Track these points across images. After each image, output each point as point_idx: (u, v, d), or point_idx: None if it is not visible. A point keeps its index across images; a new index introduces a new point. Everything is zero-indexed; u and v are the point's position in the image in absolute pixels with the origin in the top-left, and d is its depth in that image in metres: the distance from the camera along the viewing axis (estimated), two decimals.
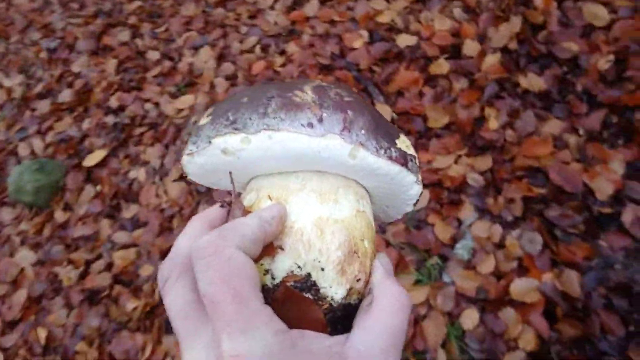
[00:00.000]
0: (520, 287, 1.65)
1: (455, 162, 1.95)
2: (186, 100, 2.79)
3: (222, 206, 0.52)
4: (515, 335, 1.58)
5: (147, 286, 2.29)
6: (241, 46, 2.88)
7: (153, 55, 3.13)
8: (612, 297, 1.60)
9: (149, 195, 2.58)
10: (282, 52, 2.76)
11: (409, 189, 0.53)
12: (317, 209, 0.49)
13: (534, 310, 1.60)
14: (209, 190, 2.48)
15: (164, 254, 2.36)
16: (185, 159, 0.51)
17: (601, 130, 1.94)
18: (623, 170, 1.81)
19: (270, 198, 0.49)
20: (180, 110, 2.79)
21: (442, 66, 2.26)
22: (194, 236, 0.47)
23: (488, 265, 1.74)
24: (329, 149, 0.46)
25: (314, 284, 0.46)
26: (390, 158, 0.48)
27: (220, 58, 2.88)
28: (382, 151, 0.47)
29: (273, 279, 0.46)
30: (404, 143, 0.51)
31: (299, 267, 0.46)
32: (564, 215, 1.79)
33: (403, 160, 0.49)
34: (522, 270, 1.72)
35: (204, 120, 0.50)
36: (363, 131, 0.47)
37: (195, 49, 3.02)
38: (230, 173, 0.51)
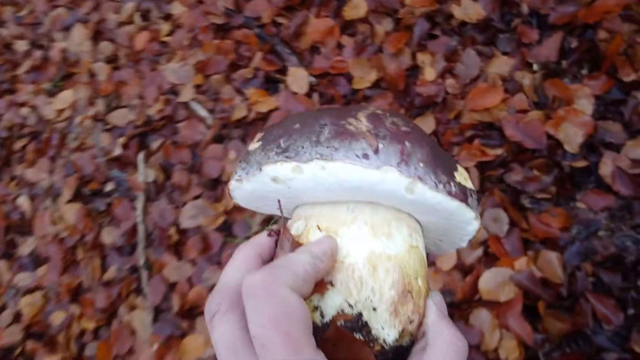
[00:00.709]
0: (491, 281, 1.33)
1: None
2: (65, 97, 2.28)
3: (269, 235, 0.50)
4: (495, 345, 1.27)
5: (62, 336, 1.91)
6: (118, 17, 2.31)
7: (20, 45, 2.55)
8: (602, 274, 1.30)
9: (43, 223, 2.12)
10: (167, 17, 2.23)
11: (467, 225, 0.51)
12: (369, 244, 0.47)
13: (511, 310, 1.29)
14: (110, 207, 2.04)
15: (73, 294, 1.96)
16: (233, 184, 0.50)
17: (559, 59, 1.55)
18: (592, 109, 1.45)
19: (319, 229, 0.48)
20: (61, 111, 2.28)
21: (358, 7, 1.81)
22: (244, 269, 0.46)
23: (449, 259, 1.40)
24: (385, 183, 0.44)
25: (366, 324, 0.44)
26: (449, 193, 0.45)
27: (96, 36, 2.34)
28: (441, 186, 0.45)
29: (322, 317, 0.44)
30: (462, 176, 0.49)
31: (350, 305, 0.44)
32: (529, 178, 1.44)
33: (463, 195, 0.47)
34: (490, 258, 1.38)
35: (254, 146, 0.49)
36: (421, 164, 0.45)
37: (66, 29, 2.43)
38: (279, 201, 0.50)
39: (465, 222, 0.50)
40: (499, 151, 1.51)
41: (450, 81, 1.66)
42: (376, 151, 0.44)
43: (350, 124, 0.46)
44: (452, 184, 0.46)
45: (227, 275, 0.46)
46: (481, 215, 1.52)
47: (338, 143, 0.44)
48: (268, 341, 0.37)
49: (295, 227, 0.50)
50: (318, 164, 0.43)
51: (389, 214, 0.49)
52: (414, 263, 0.48)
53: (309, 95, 1.92)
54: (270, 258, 0.48)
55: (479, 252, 1.42)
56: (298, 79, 1.90)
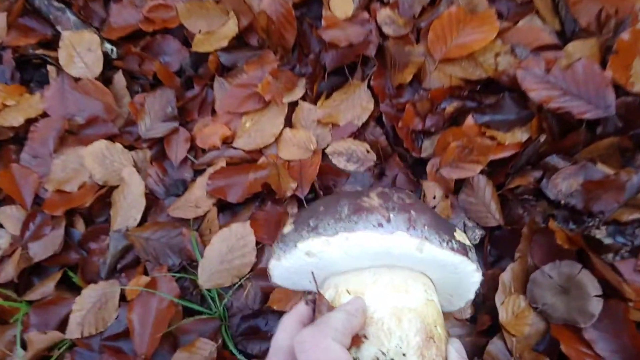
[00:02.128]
0: None
1: None
2: None
3: (306, 304, 0.59)
4: None
5: None
6: None
7: None
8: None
9: None
10: None
11: (471, 277, 0.60)
12: (392, 300, 0.55)
13: None
14: None
15: None
16: (272, 263, 0.61)
17: None
18: None
19: (348, 292, 0.57)
20: None
21: None
22: (291, 332, 0.53)
23: None
24: (399, 245, 0.53)
25: None
26: (452, 249, 0.55)
27: None
28: (445, 244, 0.54)
29: None
30: (460, 235, 0.59)
31: (383, 353, 0.51)
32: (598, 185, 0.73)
33: (463, 250, 0.56)
34: None
35: (287, 229, 0.59)
36: (426, 227, 0.54)
37: None
38: (312, 273, 0.60)
39: (469, 273, 0.60)
40: (521, 134, 0.77)
41: (385, 13, 0.86)
42: (388, 220, 0.53)
43: (364, 201, 0.56)
44: (453, 242, 0.56)
45: (277, 340, 0.54)
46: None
47: (357, 217, 0.54)
48: None
49: (328, 295, 0.59)
50: (343, 235, 0.53)
51: (405, 274, 0.58)
52: (431, 313, 0.57)
53: (108, 79, 1.28)
54: (310, 323, 0.55)
55: None
56: (82, 52, 0.97)
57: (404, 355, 0.51)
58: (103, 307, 1.23)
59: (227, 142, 1.35)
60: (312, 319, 0.57)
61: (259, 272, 1.17)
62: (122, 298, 1.23)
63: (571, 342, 0.92)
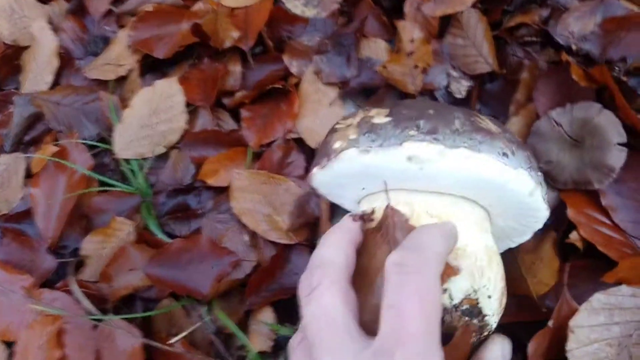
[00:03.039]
0: None
1: None
2: None
3: (354, 220, 0.52)
4: None
5: None
6: None
7: None
8: None
9: None
10: None
11: (533, 232, 0.63)
12: (482, 237, 0.52)
13: None
14: None
15: None
16: (351, 152, 0.49)
17: None
18: None
19: (430, 215, 0.50)
20: None
21: None
22: (345, 250, 0.47)
23: None
24: (518, 182, 0.48)
25: (481, 311, 0.49)
26: (547, 203, 0.54)
27: None
28: (547, 196, 0.54)
29: (451, 299, 0.47)
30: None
31: (474, 290, 0.48)
32: None
33: (549, 204, 0.56)
34: None
35: (379, 119, 0.49)
36: (540, 173, 0.52)
37: None
38: (386, 183, 0.52)
39: (540, 222, 0.59)
40: None
41: None
42: (513, 153, 0.48)
43: (481, 122, 0.50)
44: (548, 193, 0.58)
45: (323, 256, 0.47)
46: None
47: (481, 137, 0.47)
48: (408, 312, 0.38)
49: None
50: (464, 152, 0.45)
51: (483, 213, 0.55)
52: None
53: None
54: (359, 242, 0.50)
55: None
56: None
57: (489, 297, 0.49)
58: (5, 184, 1.01)
59: None
60: (360, 238, 0.51)
61: (190, 139, 0.94)
62: (31, 175, 1.03)
63: (582, 206, 0.70)
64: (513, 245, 0.70)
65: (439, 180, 0.51)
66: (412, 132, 0.47)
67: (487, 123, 0.52)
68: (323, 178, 0.57)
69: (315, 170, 0.56)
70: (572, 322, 0.62)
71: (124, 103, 1.00)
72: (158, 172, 0.96)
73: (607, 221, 0.72)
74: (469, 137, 0.46)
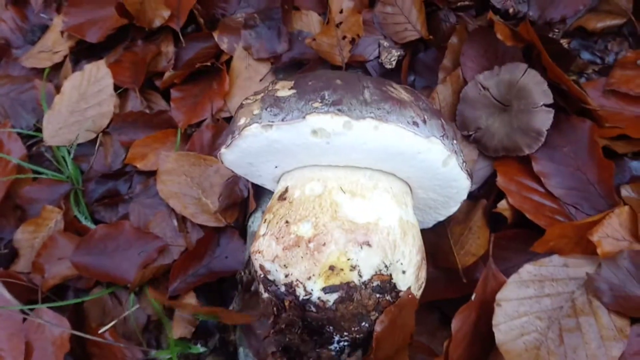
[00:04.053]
0: None
1: None
2: None
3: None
4: None
5: None
6: None
7: None
8: None
9: None
10: None
11: (458, 203, 0.62)
12: (397, 210, 0.50)
13: None
14: None
15: None
16: (253, 130, 0.47)
17: None
18: None
19: (342, 190, 0.49)
20: None
21: None
22: None
23: None
24: (430, 152, 0.46)
25: (395, 286, 0.47)
26: (467, 172, 0.52)
27: None
28: (464, 165, 0.51)
29: (360, 276, 0.46)
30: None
31: (386, 266, 0.47)
32: None
33: (470, 174, 0.53)
34: None
35: (283, 92, 0.47)
36: (455, 141, 0.50)
37: None
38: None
39: (460, 199, 0.59)
40: None
41: None
42: (424, 121, 0.46)
43: (392, 91, 0.48)
44: (465, 164, 0.53)
45: None
46: None
47: (389, 107, 0.45)
48: None
49: (310, 188, 0.51)
50: (371, 123, 0.43)
51: (403, 186, 0.53)
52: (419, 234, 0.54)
53: None
54: None
55: None
56: None
57: (403, 272, 0.48)
58: None
59: None
60: None
61: (118, 123, 0.90)
62: None
63: (513, 174, 0.64)
64: (441, 218, 0.67)
65: (350, 153, 0.49)
66: (316, 104, 0.45)
67: (400, 92, 0.50)
68: (231, 157, 0.55)
69: (222, 150, 0.55)
70: (499, 295, 0.58)
71: (58, 90, 0.99)
72: (89, 159, 0.94)
73: (540, 188, 0.67)
74: (377, 106, 0.45)
